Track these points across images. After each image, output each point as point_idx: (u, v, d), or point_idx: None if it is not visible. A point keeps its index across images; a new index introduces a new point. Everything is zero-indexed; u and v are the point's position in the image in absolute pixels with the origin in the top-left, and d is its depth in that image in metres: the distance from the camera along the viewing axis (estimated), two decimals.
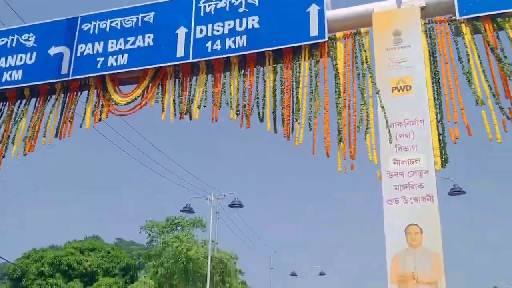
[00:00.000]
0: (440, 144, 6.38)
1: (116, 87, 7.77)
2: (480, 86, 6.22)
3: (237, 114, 7.12)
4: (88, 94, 7.95)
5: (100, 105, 7.73)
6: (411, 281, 5.95)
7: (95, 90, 7.85)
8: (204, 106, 7.34)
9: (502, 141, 6.06)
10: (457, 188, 20.51)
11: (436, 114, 6.39)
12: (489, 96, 6.17)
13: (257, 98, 7.08)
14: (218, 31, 7.42)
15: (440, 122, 6.48)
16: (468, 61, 6.44)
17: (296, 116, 6.88)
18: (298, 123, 6.82)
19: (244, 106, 7.12)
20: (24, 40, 8.34)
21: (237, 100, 7.14)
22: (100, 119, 7.71)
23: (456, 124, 6.38)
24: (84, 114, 7.76)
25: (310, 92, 6.88)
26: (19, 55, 8.25)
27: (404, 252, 5.99)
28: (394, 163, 6.30)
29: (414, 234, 5.97)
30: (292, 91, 6.98)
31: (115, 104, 7.63)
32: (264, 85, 7.09)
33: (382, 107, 6.39)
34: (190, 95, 7.44)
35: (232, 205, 25.96)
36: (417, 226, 5.97)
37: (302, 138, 6.78)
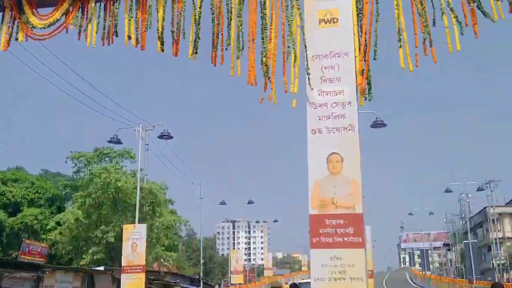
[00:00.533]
0: (363, 77, 6.58)
1: (33, 9, 7.27)
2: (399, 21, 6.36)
3: (163, 44, 6.94)
4: (2, 16, 7.42)
5: (16, 27, 7.25)
6: (330, 206, 6.32)
7: (10, 12, 7.32)
8: (129, 37, 7.06)
9: (413, 70, 6.28)
10: (379, 121, 21.48)
11: (360, 48, 6.53)
12: (405, 29, 6.34)
13: (183, 26, 6.90)
14: None
15: (364, 56, 6.65)
16: None
17: (227, 43, 6.81)
18: (226, 50, 6.77)
19: (173, 33, 6.94)
20: None
21: (163, 27, 6.92)
22: (17, 39, 7.25)
23: (377, 59, 6.57)
24: None
25: (239, 23, 6.79)
26: None
27: (325, 179, 6.32)
28: (319, 95, 6.49)
29: (335, 162, 6.28)
30: (223, 19, 6.86)
31: (33, 27, 7.18)
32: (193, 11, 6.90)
33: (307, 39, 6.46)
34: (115, 20, 7.12)
35: (161, 136, 25.74)
36: (338, 155, 6.28)
37: (238, 68, 6.74)
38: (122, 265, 20.55)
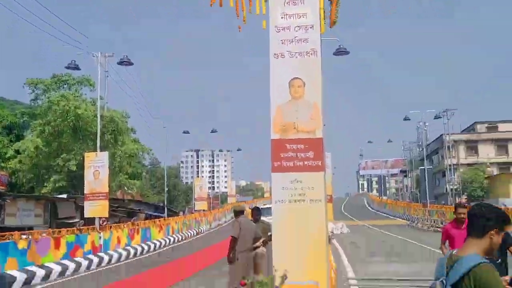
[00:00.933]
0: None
1: None
2: None
3: None
4: None
5: None
6: (292, 130, 6.39)
7: None
8: None
9: None
10: (342, 48, 21.43)
11: None
12: None
13: None
14: None
15: None
16: None
17: None
18: None
19: None
20: None
21: None
22: None
23: None
24: None
25: None
26: None
27: (287, 104, 6.34)
28: (282, 18, 6.37)
29: (297, 87, 6.28)
30: None
31: None
32: None
33: None
34: None
35: (121, 63, 24.99)
36: (300, 80, 6.27)
37: None
38: (85, 192, 20.57)
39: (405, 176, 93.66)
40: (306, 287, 5.40)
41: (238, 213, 8.92)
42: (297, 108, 6.28)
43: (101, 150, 26.39)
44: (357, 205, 79.80)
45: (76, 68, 23.54)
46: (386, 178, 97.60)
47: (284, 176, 6.44)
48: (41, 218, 28.30)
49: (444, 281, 2.72)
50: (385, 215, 56.58)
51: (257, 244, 8.95)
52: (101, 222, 26.40)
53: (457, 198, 53.35)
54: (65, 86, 41.81)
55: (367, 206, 78.04)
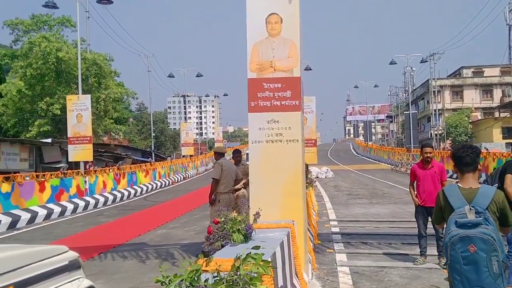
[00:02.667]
0: None
1: None
2: None
3: None
4: None
5: None
6: (269, 69, 6.25)
7: None
8: None
9: None
10: None
11: None
12: None
13: None
14: None
15: None
16: None
17: None
18: None
19: None
20: None
21: None
22: None
23: None
24: None
25: None
26: None
27: (264, 41, 6.17)
28: None
29: (274, 23, 6.09)
30: None
31: None
32: None
33: None
34: None
35: (99, 1, 24.08)
36: (278, 15, 6.07)
37: None
38: (68, 136, 20.38)
39: (391, 121, 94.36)
40: (282, 226, 5.43)
41: (219, 155, 8.89)
42: (274, 46, 6.11)
43: (84, 94, 25.99)
44: (343, 150, 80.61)
45: (54, 6, 22.68)
46: (372, 123, 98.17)
47: (261, 116, 6.36)
48: (27, 163, 28.19)
49: (473, 207, 3.28)
50: (370, 160, 57.30)
51: (238, 186, 8.99)
52: (87, 166, 26.43)
53: (441, 143, 54.04)
54: (45, 27, 40.65)
55: (352, 151, 78.86)
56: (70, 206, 17.96)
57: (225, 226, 4.55)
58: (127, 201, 22.32)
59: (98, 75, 35.14)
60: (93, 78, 34.93)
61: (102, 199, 20.58)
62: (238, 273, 2.67)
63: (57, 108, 33.56)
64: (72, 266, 3.25)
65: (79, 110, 20.12)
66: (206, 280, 2.65)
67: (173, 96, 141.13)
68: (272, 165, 6.34)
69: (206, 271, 3.09)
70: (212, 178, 8.61)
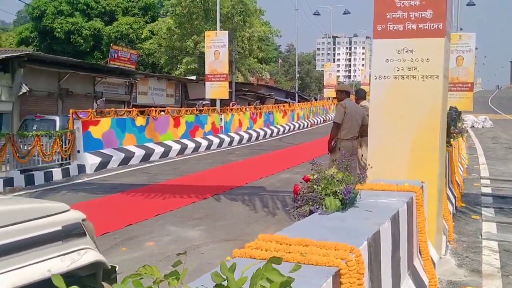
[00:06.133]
0: None
1: None
2: None
3: None
4: None
5: None
6: None
7: None
8: None
9: None
10: None
11: None
12: None
13: None
14: None
15: None
16: None
17: None
18: None
19: None
20: None
21: None
22: None
23: None
24: None
25: None
26: None
27: None
28: None
29: None
30: None
31: None
32: None
33: None
34: None
35: None
36: None
37: None
38: (206, 73, 20.27)
39: None
40: (404, 189, 4.06)
41: (342, 94, 7.51)
42: None
43: (230, 33, 25.68)
44: (507, 97, 72.09)
45: None
46: None
47: (390, 43, 4.91)
48: (173, 98, 29.34)
49: None
50: None
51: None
52: (231, 104, 26.58)
53: None
54: None
55: None
56: (204, 143, 17.99)
57: (315, 186, 3.35)
58: (262, 140, 21.96)
59: (243, 13, 34.75)
60: (238, 16, 34.65)
61: (237, 138, 20.42)
62: None
63: (203, 46, 34.07)
64: (69, 233, 2.36)
65: (216, 47, 19.76)
66: None
67: (322, 37, 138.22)
68: (401, 108, 4.89)
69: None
70: (333, 122, 7.33)
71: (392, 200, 3.68)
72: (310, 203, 3.34)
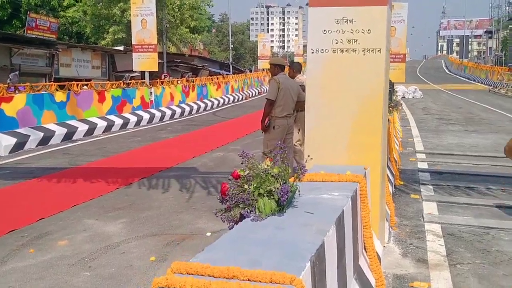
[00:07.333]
0: None
1: None
2: None
3: None
4: None
5: None
6: None
7: None
8: None
9: None
10: None
11: None
12: None
13: None
14: None
15: None
16: None
17: None
18: None
19: None
20: None
21: None
22: None
23: None
24: None
25: None
26: None
27: None
28: None
29: None
30: None
31: None
32: None
33: None
34: None
35: None
36: None
37: None
38: (133, 43, 19.06)
39: (490, 37, 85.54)
40: (346, 179, 3.59)
41: (276, 67, 6.94)
42: None
43: (159, 0, 24.27)
44: (434, 67, 74.88)
45: None
46: (469, 39, 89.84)
47: (327, 12, 4.36)
48: (99, 70, 27.70)
49: None
50: (464, 79, 52.43)
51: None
52: (162, 77, 25.41)
53: None
54: None
55: (445, 69, 72.98)
56: (133, 119, 17.00)
57: (246, 185, 2.78)
58: (195, 115, 21.18)
59: None
60: None
61: (168, 112, 19.52)
62: None
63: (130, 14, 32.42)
64: None
65: (143, 15, 18.55)
66: None
67: (256, 7, 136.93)
68: (340, 85, 4.40)
69: None
70: (266, 99, 6.78)
71: (334, 195, 3.19)
72: (241, 205, 2.77)
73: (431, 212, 6.02)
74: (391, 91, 11.08)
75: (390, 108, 9.18)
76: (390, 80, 13.32)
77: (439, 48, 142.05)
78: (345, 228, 2.94)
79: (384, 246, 4.66)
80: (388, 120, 7.68)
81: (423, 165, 9.19)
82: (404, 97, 27.99)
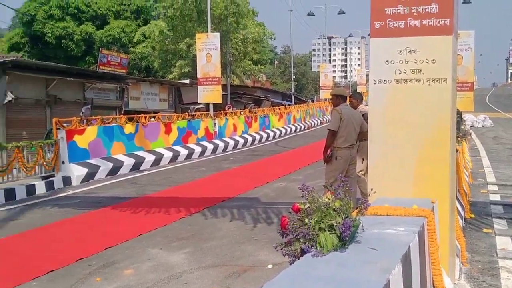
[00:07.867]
0: None
1: None
2: None
3: None
4: None
5: None
6: None
7: None
8: None
9: None
10: None
11: None
12: None
13: None
14: None
15: None
16: None
17: None
18: None
19: None
20: None
21: None
22: None
23: None
24: None
25: None
26: None
27: None
28: None
29: None
30: None
31: None
32: None
33: None
34: None
35: None
36: None
37: None
38: (198, 76, 19.67)
39: None
40: (413, 213, 3.47)
41: (338, 98, 6.91)
42: None
43: (223, 35, 24.98)
44: (504, 95, 71.73)
45: None
46: None
47: (390, 43, 4.30)
48: (166, 103, 28.73)
49: None
50: None
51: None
52: (226, 108, 25.99)
53: None
54: None
55: None
56: (198, 149, 17.38)
57: (306, 218, 2.75)
58: (258, 145, 21.36)
59: (236, 14, 34.17)
60: (231, 18, 34.08)
61: (231, 143, 19.81)
62: None
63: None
64: None
65: (208, 50, 19.18)
66: None
67: (318, 38, 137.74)
68: (404, 116, 4.30)
69: None
70: (328, 130, 6.73)
71: (400, 231, 3.09)
72: (302, 240, 2.73)
73: (505, 248, 5.67)
74: (459, 120, 10.69)
75: (459, 138, 8.83)
76: (457, 109, 12.91)
77: (509, 76, 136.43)
78: (412, 266, 2.82)
79: (454, 284, 4.42)
80: (457, 151, 7.39)
81: (496, 197, 8.72)
82: (473, 126, 26.95)
